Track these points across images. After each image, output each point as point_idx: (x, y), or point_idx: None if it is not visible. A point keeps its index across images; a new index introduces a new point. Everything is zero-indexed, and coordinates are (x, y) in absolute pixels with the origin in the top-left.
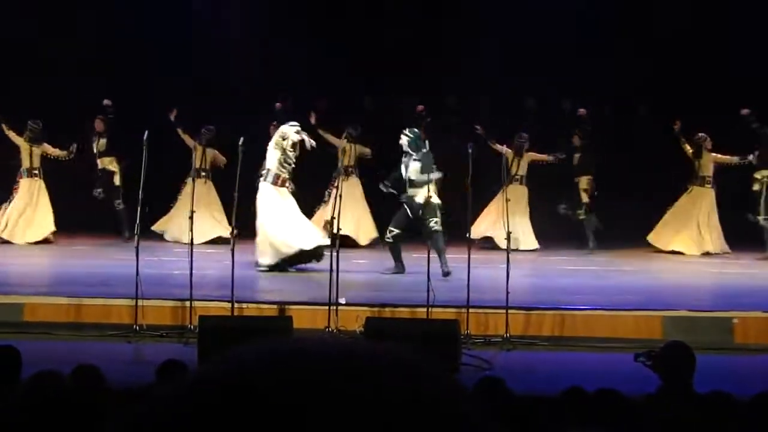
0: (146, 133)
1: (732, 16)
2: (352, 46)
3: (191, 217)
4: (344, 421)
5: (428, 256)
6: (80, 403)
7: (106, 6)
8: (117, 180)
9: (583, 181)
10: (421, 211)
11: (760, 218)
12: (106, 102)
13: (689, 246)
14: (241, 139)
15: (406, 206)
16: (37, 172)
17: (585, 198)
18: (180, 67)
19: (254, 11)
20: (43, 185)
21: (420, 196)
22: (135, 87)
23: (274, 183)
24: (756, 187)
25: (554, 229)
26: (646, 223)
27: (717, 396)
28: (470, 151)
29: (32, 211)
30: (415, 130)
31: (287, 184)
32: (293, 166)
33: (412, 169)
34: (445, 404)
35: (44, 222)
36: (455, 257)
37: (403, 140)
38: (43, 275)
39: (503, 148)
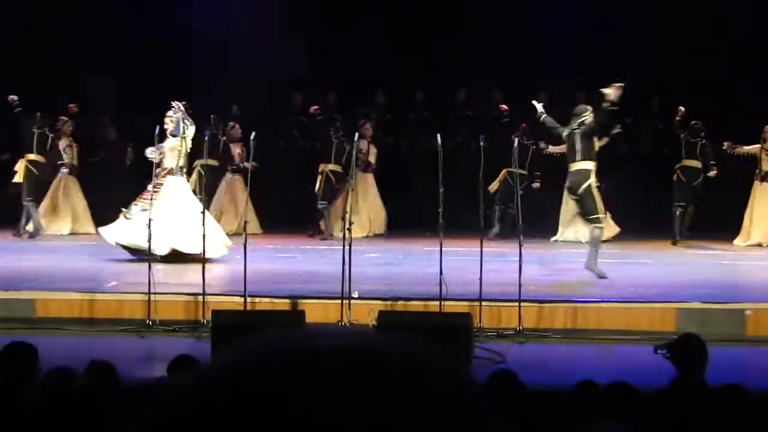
0: (157, 128)
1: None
2: (360, 42)
3: (202, 211)
4: (349, 419)
5: (440, 250)
6: (94, 399)
7: (106, 5)
8: (17, 178)
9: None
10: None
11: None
12: (12, 97)
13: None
14: (253, 134)
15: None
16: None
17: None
18: (183, 64)
19: (258, 7)
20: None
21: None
22: (138, 83)
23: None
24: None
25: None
26: (659, 216)
27: (730, 389)
28: (482, 143)
29: (61, 202)
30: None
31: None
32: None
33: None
34: (449, 402)
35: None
36: (468, 250)
37: (590, 117)
38: (54, 271)
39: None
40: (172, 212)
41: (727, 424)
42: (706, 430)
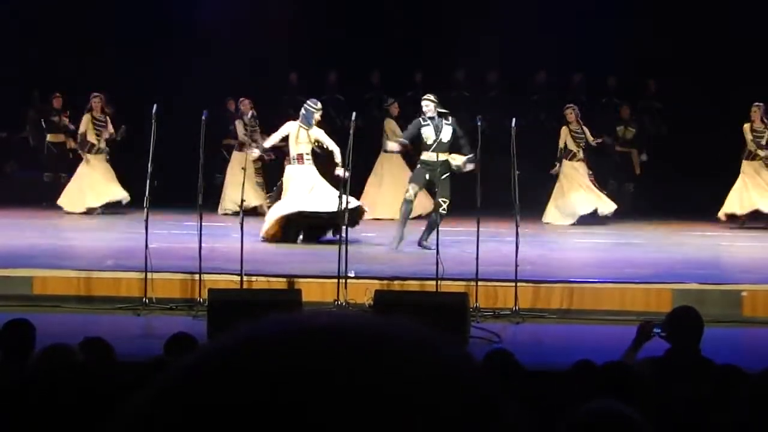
0: (155, 106)
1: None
2: (358, 21)
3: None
4: (348, 399)
5: (437, 229)
6: (91, 376)
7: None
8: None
9: None
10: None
11: None
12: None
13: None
14: (250, 112)
15: (426, 169)
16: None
17: None
18: (181, 42)
19: None
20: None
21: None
22: (142, 61)
23: None
24: None
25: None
26: (654, 196)
27: (726, 369)
28: (479, 124)
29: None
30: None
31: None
32: None
33: (445, 132)
34: (451, 376)
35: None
36: (464, 230)
37: (430, 105)
38: (52, 248)
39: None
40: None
41: (723, 404)
42: (704, 409)
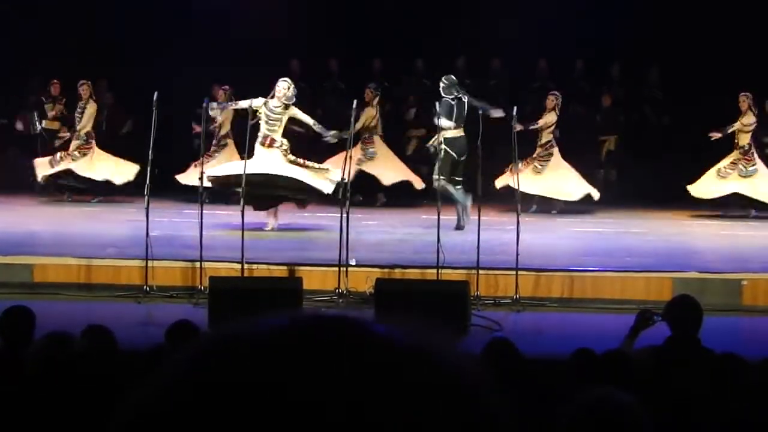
0: (155, 94)
1: None
2: (359, 8)
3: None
4: (344, 399)
5: (438, 218)
6: (91, 363)
7: None
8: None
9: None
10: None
11: None
12: None
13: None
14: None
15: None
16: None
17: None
18: (181, 29)
19: None
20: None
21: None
22: (142, 49)
23: None
24: None
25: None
26: (656, 185)
27: (727, 357)
28: (480, 112)
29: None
30: (452, 77)
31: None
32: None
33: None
34: (449, 384)
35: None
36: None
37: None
38: (53, 236)
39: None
40: None
41: (724, 392)
42: (703, 397)
